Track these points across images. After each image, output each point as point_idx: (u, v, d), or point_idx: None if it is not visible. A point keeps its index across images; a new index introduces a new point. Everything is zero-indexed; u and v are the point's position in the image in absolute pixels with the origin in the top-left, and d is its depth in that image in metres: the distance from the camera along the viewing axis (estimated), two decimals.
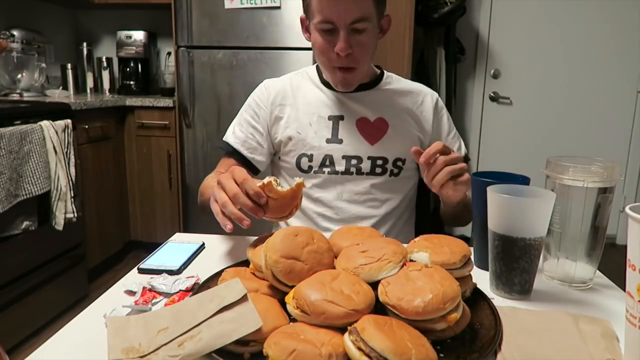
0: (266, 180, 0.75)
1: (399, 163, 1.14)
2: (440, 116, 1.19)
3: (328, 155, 1.12)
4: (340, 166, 1.13)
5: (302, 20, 1.10)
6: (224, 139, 1.20)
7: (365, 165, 1.12)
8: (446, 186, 0.89)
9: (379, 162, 1.13)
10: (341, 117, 1.13)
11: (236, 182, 0.76)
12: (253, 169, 1.16)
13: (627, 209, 0.62)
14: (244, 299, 0.57)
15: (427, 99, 1.18)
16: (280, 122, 1.16)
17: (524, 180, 0.83)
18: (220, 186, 0.78)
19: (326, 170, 1.13)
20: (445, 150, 0.88)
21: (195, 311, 0.56)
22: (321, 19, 1.00)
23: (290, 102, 1.16)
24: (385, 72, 1.20)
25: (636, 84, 3.18)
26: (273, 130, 1.17)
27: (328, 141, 1.12)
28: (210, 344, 0.52)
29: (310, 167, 1.14)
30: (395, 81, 1.21)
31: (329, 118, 1.14)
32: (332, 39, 1.00)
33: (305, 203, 1.14)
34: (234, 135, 1.18)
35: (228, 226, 0.75)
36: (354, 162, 1.12)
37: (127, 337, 0.54)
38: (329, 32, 1.01)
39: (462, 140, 1.23)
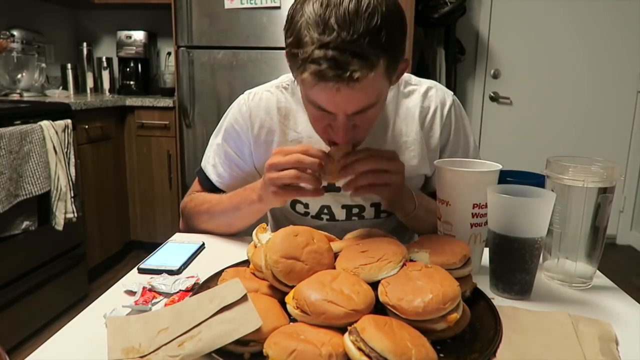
0: None
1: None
2: (448, 131, 1.00)
3: (325, 206, 1.00)
4: (341, 215, 1.01)
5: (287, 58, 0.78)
6: (204, 170, 1.04)
7: (369, 213, 1.00)
8: (362, 189, 0.80)
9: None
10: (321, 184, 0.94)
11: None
12: None
13: (441, 166, 0.76)
14: (243, 299, 0.57)
15: (436, 118, 0.98)
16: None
17: (538, 179, 0.83)
18: (276, 169, 0.78)
19: (324, 217, 1.01)
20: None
21: (195, 311, 0.56)
22: (314, 104, 0.77)
23: (278, 138, 0.97)
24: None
25: (636, 84, 3.18)
26: (260, 167, 0.99)
27: (325, 189, 0.92)
28: (210, 344, 0.52)
29: (307, 213, 1.01)
30: (399, 97, 0.98)
31: None
32: (328, 115, 0.77)
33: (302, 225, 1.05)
34: (215, 171, 1.02)
35: (320, 185, 0.79)
36: (355, 211, 1.00)
37: (127, 337, 0.54)
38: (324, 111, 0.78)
39: (470, 145, 1.03)
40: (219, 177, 1.02)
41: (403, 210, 0.93)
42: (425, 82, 1.01)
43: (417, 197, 0.92)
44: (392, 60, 0.73)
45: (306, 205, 1.01)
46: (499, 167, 0.79)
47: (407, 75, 1.00)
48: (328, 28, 0.67)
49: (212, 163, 1.03)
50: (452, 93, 1.02)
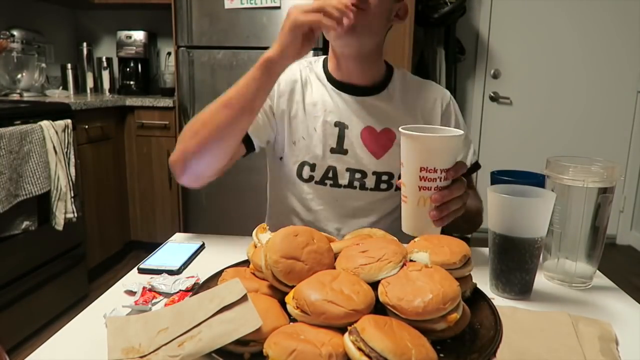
0: None
1: None
2: (447, 121, 1.09)
3: (331, 167, 1.05)
4: (344, 179, 1.06)
5: None
6: None
7: (370, 181, 1.06)
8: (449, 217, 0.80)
9: (384, 177, 1.06)
10: (346, 126, 1.05)
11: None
12: (248, 147, 1.02)
13: (400, 129, 0.78)
14: (243, 299, 0.57)
15: (437, 103, 1.09)
16: (286, 120, 1.06)
17: (538, 179, 0.83)
18: (298, 10, 0.83)
19: (328, 182, 1.06)
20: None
21: (195, 311, 0.56)
22: None
23: (298, 99, 1.07)
24: (395, 69, 1.11)
25: (636, 84, 3.18)
26: (279, 126, 1.07)
27: (333, 151, 1.05)
28: (210, 344, 0.52)
29: (312, 177, 1.06)
30: (404, 81, 1.10)
31: (336, 124, 1.05)
32: None
33: (301, 212, 1.09)
34: None
35: (345, 20, 0.86)
36: (357, 175, 1.06)
37: (127, 337, 0.54)
38: None
39: (472, 147, 1.12)
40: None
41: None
42: (426, 80, 1.15)
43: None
44: None
45: (312, 167, 1.05)
46: (452, 134, 0.78)
47: (409, 73, 1.14)
48: None
49: None
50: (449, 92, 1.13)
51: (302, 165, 1.06)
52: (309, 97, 1.07)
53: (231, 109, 0.90)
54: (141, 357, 0.51)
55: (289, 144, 1.07)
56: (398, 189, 0.99)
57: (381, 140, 1.06)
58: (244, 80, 0.92)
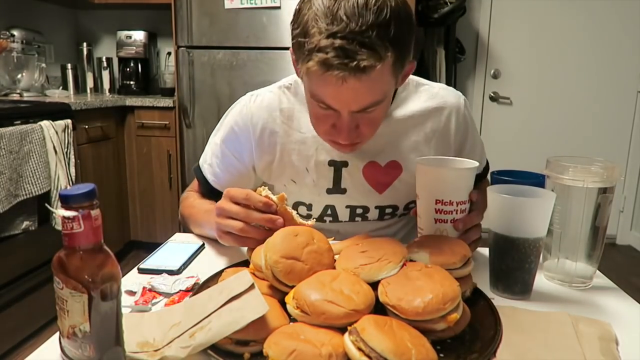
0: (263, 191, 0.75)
1: (411, 205, 0.97)
2: (465, 135, 0.98)
3: (329, 206, 0.97)
4: (344, 216, 0.98)
5: (291, 55, 0.80)
6: (201, 168, 1.01)
7: (372, 215, 0.98)
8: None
9: (389, 210, 0.98)
10: (345, 164, 0.93)
11: (238, 203, 0.74)
12: None
13: (416, 160, 0.79)
14: (251, 288, 0.57)
15: (452, 117, 0.95)
16: (271, 166, 0.96)
17: (538, 179, 0.83)
18: (224, 215, 0.74)
19: (327, 219, 0.99)
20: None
21: (206, 304, 0.57)
22: (317, 99, 0.76)
23: (282, 140, 0.94)
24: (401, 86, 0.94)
25: (636, 84, 3.18)
26: (260, 172, 0.98)
27: (329, 191, 0.95)
28: (220, 332, 0.52)
29: (310, 215, 0.99)
30: (411, 95, 0.96)
31: (330, 164, 0.93)
32: (332, 113, 0.77)
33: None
34: (211, 170, 0.99)
35: (265, 235, 0.70)
36: (359, 211, 0.98)
37: (141, 332, 0.56)
38: (326, 107, 0.77)
39: (483, 152, 1.04)
40: (215, 177, 1.00)
41: None
42: (435, 84, 1.00)
43: None
44: (400, 57, 0.72)
45: (309, 207, 0.98)
46: (467, 165, 0.79)
47: (416, 77, 0.98)
48: (336, 19, 0.67)
49: (209, 162, 1.01)
50: (463, 96, 1.00)
51: (297, 204, 0.98)
52: (295, 134, 0.94)
53: (202, 229, 0.94)
54: (155, 350, 0.53)
55: (280, 186, 0.98)
56: (403, 215, 0.99)
57: (385, 175, 0.95)
58: (205, 220, 0.90)
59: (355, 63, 0.67)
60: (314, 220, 0.78)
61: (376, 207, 0.98)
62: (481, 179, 1.04)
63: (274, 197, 0.74)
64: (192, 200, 1.01)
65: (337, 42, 0.67)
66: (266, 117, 0.94)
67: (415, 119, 0.94)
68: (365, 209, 0.98)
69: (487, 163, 1.08)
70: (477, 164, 0.79)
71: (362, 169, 0.93)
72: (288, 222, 0.75)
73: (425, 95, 0.96)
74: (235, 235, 0.75)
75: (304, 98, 0.87)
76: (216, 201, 0.81)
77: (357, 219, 0.99)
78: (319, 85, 0.73)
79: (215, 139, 1.01)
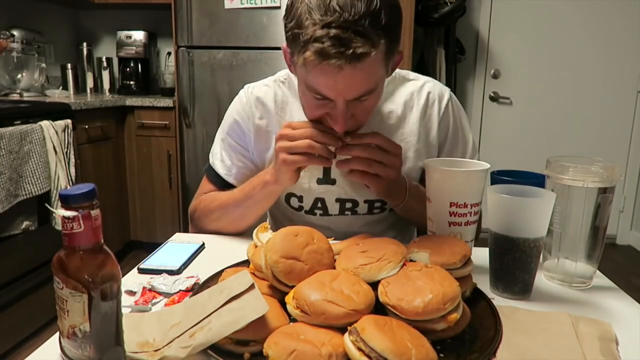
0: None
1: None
2: (449, 127, 1.00)
3: (319, 199, 1.00)
4: (334, 210, 1.01)
5: (284, 51, 0.83)
6: (213, 166, 1.05)
7: (362, 209, 1.00)
8: (354, 174, 0.83)
9: (377, 204, 1.00)
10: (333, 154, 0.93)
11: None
12: None
13: (426, 162, 0.79)
14: (251, 288, 0.58)
15: (437, 109, 0.98)
16: (268, 153, 1.00)
17: (538, 179, 0.83)
18: (287, 138, 0.81)
19: (318, 212, 1.01)
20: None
21: (206, 304, 0.57)
22: (312, 90, 0.78)
23: (275, 129, 0.98)
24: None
25: (636, 84, 3.18)
26: (260, 159, 1.02)
27: (319, 181, 0.98)
28: (220, 332, 0.52)
29: (301, 207, 1.02)
30: (398, 88, 0.99)
31: None
32: (327, 103, 0.79)
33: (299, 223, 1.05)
34: (223, 165, 1.03)
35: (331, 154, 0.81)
36: (348, 205, 1.00)
37: (141, 332, 0.56)
38: (322, 98, 0.79)
39: (469, 143, 1.03)
40: (227, 170, 1.03)
41: (392, 201, 0.94)
42: (423, 77, 1.03)
43: (412, 188, 0.92)
44: (391, 45, 0.75)
45: (300, 199, 1.01)
46: (482, 167, 0.79)
47: (404, 71, 1.02)
48: (330, 10, 0.70)
49: (220, 158, 1.04)
50: (449, 89, 1.03)
51: (289, 196, 1.01)
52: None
53: (241, 208, 0.96)
54: (155, 350, 0.53)
55: None
56: (392, 210, 1.00)
57: None
58: (248, 189, 0.95)
59: (351, 51, 0.69)
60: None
61: (365, 202, 1.00)
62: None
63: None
64: (213, 196, 1.02)
65: (333, 31, 0.69)
66: (262, 107, 1.00)
67: (401, 111, 0.98)
68: (355, 203, 1.00)
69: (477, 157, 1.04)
70: (488, 165, 0.80)
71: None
72: None
73: (411, 87, 1.00)
74: (301, 156, 0.80)
75: (296, 94, 0.93)
76: None
77: (347, 212, 1.01)
78: (315, 76, 0.75)
79: (221, 134, 1.05)
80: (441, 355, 0.55)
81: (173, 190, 2.80)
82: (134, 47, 3.08)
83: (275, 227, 1.08)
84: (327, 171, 0.98)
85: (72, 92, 3.04)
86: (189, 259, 0.84)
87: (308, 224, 0.96)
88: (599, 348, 0.58)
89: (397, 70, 0.96)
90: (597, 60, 3.18)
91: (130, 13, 3.20)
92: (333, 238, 0.75)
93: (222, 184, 1.03)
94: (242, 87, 1.05)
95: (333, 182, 0.98)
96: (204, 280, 0.73)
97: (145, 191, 2.85)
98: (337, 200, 1.00)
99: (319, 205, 1.01)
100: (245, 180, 0.98)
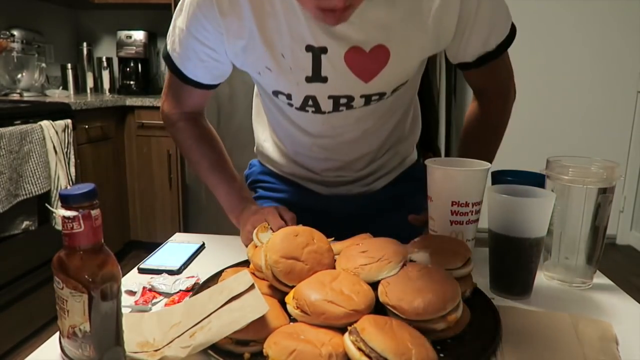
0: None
1: (401, 87, 0.89)
2: (467, 14, 0.81)
3: (310, 96, 0.87)
4: (327, 106, 0.88)
5: None
6: (174, 60, 0.91)
7: (358, 102, 0.88)
8: None
9: (375, 97, 0.88)
10: (323, 50, 0.80)
11: None
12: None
13: (427, 162, 0.79)
14: (251, 288, 0.58)
15: None
16: (242, 51, 0.84)
17: (538, 179, 0.83)
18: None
19: (310, 110, 0.90)
20: None
21: (206, 304, 0.58)
22: None
23: (250, 22, 0.79)
24: None
25: (636, 84, 3.18)
26: (232, 58, 0.88)
27: (308, 79, 0.84)
28: (220, 332, 0.52)
29: (291, 104, 0.90)
30: None
31: (307, 49, 0.80)
32: None
33: (284, 123, 0.97)
34: (183, 65, 0.91)
35: None
36: (343, 101, 0.88)
37: (141, 332, 0.56)
38: None
39: (496, 27, 0.86)
40: (184, 69, 0.92)
41: None
42: None
43: None
44: None
45: (289, 97, 0.88)
46: (483, 167, 0.79)
47: None
48: None
49: (178, 51, 0.89)
50: None
51: (276, 93, 0.90)
52: (268, 17, 0.79)
53: (204, 179, 1.03)
54: (155, 350, 0.53)
55: (254, 73, 0.90)
56: (394, 91, 0.89)
57: (371, 61, 0.83)
58: (212, 185, 1.02)
59: None
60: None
61: (362, 96, 0.87)
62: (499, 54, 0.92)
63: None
64: (189, 144, 1.08)
65: None
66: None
67: None
68: (350, 98, 0.87)
69: (512, 30, 0.89)
70: (489, 165, 0.79)
71: (343, 55, 0.81)
72: None
73: None
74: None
75: None
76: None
77: (342, 108, 0.89)
78: None
79: (179, 22, 0.87)
80: (441, 355, 0.55)
81: (173, 190, 2.80)
82: (134, 47, 3.08)
83: (271, 120, 1.06)
84: (316, 68, 0.83)
85: (72, 92, 3.04)
86: (189, 259, 0.84)
87: (301, 118, 0.93)
88: (599, 348, 0.58)
89: None
90: (597, 60, 3.18)
91: (130, 13, 3.20)
92: (333, 238, 0.75)
93: (183, 79, 0.94)
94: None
95: (324, 80, 0.84)
96: (204, 280, 0.73)
97: (145, 191, 2.85)
98: (330, 97, 0.87)
99: (310, 102, 0.88)
100: (209, 78, 0.96)
